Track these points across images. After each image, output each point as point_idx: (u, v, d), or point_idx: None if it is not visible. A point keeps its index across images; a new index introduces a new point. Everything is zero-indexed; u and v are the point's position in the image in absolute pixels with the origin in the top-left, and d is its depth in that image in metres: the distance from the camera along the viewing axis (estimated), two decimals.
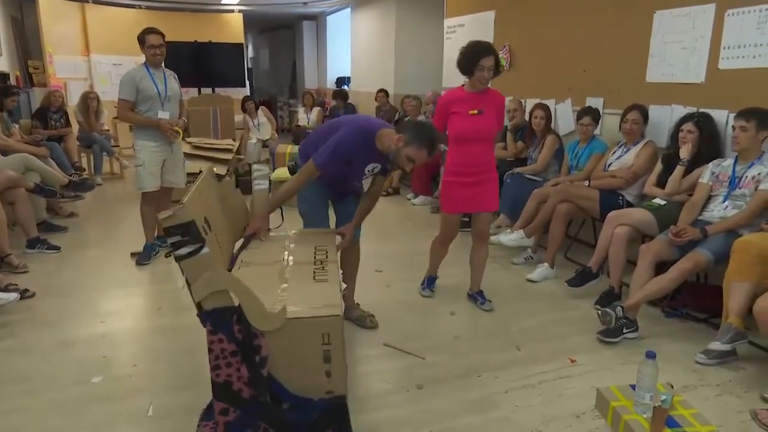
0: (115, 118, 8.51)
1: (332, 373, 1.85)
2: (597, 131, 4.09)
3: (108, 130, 7.50)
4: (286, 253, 2.40)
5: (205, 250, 1.77)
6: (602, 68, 4.19)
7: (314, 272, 2.17)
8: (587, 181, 3.83)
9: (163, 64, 3.89)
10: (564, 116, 4.62)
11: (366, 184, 2.90)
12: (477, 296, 3.30)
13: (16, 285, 3.25)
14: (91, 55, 9.15)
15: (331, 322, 1.80)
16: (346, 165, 2.59)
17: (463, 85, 3.06)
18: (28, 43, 8.57)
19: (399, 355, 2.72)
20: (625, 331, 2.85)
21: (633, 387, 1.73)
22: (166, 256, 1.79)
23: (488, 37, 5.36)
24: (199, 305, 1.80)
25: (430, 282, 3.45)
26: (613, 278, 3.28)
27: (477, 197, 3.07)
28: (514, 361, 2.67)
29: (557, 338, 2.90)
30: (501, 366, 2.62)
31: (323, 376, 1.84)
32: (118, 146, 7.44)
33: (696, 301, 3.13)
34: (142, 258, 3.97)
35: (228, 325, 1.77)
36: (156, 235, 4.06)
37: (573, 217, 3.82)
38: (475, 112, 2.97)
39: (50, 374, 2.52)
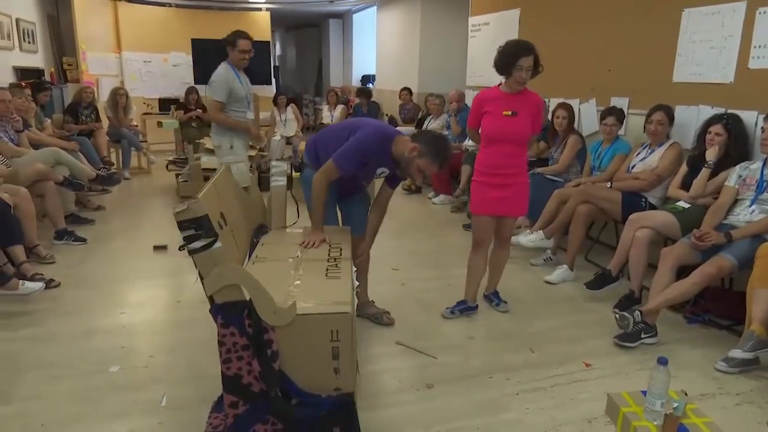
0: (144, 113, 8.79)
1: (340, 370, 1.85)
2: (621, 132, 4.01)
3: (136, 126, 7.67)
4: (299, 249, 2.42)
5: (218, 244, 1.79)
6: (628, 67, 4.11)
7: (327, 269, 2.18)
8: (609, 183, 3.76)
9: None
10: (588, 116, 4.54)
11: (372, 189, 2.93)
12: (493, 297, 3.27)
13: (42, 275, 3.35)
14: (122, 52, 9.37)
15: (340, 319, 1.80)
16: (362, 166, 2.60)
17: (500, 84, 2.95)
18: (62, 40, 8.81)
19: (411, 353, 2.72)
20: (643, 336, 2.79)
21: (645, 393, 1.69)
22: (179, 249, 1.83)
23: (513, 34, 5.31)
24: (211, 299, 1.83)
25: (461, 308, 3.15)
26: (633, 282, 3.21)
27: (505, 200, 2.97)
28: (528, 363, 2.64)
29: (573, 341, 2.86)
30: (514, 368, 2.59)
31: (331, 372, 1.84)
32: (146, 142, 7.60)
33: (719, 308, 3.05)
34: None
35: (239, 319, 1.78)
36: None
37: (594, 219, 3.76)
38: (509, 113, 2.87)
39: (70, 362, 2.59)
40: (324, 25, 12.71)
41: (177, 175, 6.12)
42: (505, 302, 3.24)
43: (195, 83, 9.02)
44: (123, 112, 6.97)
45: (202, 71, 9.43)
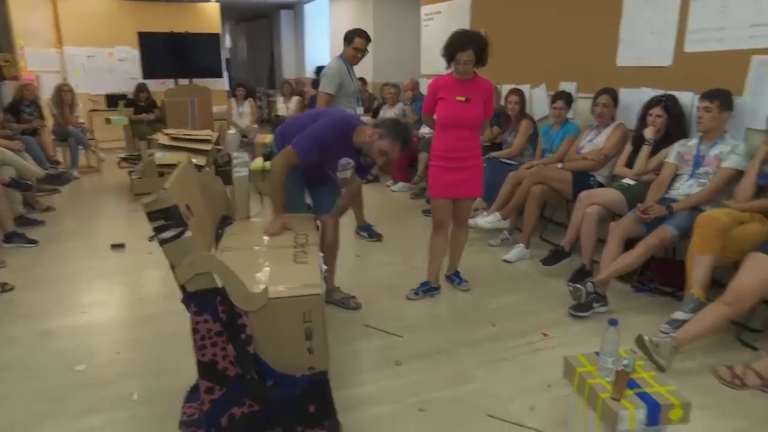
0: (91, 110, 8.50)
1: (314, 349, 1.92)
2: (570, 115, 4.19)
3: (83, 123, 7.41)
4: (266, 238, 2.45)
5: (188, 233, 1.81)
6: (575, 53, 4.28)
7: (295, 255, 2.23)
8: (560, 164, 3.93)
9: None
10: (539, 101, 4.71)
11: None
12: (454, 277, 3.38)
13: None
14: (63, 47, 9.01)
15: (311, 300, 1.87)
16: (322, 154, 2.65)
17: (452, 72, 3.03)
18: None
19: (379, 334, 2.80)
20: (595, 305, 2.96)
21: (598, 354, 1.83)
22: (149, 240, 1.84)
23: (464, 23, 5.42)
24: (183, 288, 1.85)
25: (425, 288, 3.23)
26: (584, 256, 3.39)
27: (461, 183, 3.07)
28: (490, 337, 2.76)
29: (531, 314, 3.01)
30: (477, 342, 2.71)
31: (305, 353, 1.91)
32: (94, 139, 7.37)
33: (663, 276, 3.26)
34: (366, 234, 4.20)
35: (212, 306, 1.82)
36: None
37: (547, 199, 3.92)
38: (462, 99, 2.96)
39: (32, 364, 2.54)
40: (275, 16, 12.55)
41: (130, 173, 5.98)
42: (466, 281, 3.36)
43: (143, 78, 8.80)
44: (69, 109, 6.73)
45: (150, 65, 9.23)
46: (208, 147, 6.17)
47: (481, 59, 2.92)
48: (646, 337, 2.45)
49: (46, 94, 7.19)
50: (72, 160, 6.72)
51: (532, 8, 4.71)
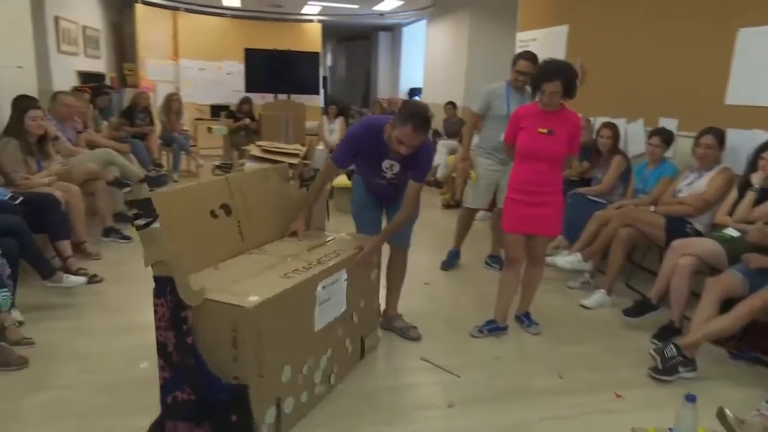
0: (196, 119, 9.09)
1: (239, 359, 1.94)
2: (669, 154, 3.87)
3: (187, 130, 7.94)
4: (305, 251, 2.50)
5: (155, 225, 1.93)
6: (678, 88, 3.96)
7: (295, 270, 2.23)
8: (653, 207, 3.63)
9: (527, 89, 3.53)
10: (634, 137, 4.40)
11: None
12: (524, 318, 3.19)
13: (86, 270, 3.49)
14: (179, 59, 9.76)
15: (238, 311, 1.89)
16: (356, 155, 2.67)
17: (537, 101, 2.89)
18: (124, 47, 9.26)
19: (435, 370, 2.68)
20: (681, 369, 2.66)
21: (671, 430, 1.62)
22: (132, 225, 1.99)
23: (560, 51, 5.22)
24: None
25: (490, 327, 3.08)
26: (673, 311, 3.07)
27: (537, 219, 2.90)
28: (555, 389, 2.56)
29: (605, 370, 2.76)
30: (540, 393, 2.52)
31: (231, 360, 1.96)
32: (196, 146, 7.85)
33: (766, 344, 2.87)
34: (444, 264, 4.15)
35: (165, 293, 1.93)
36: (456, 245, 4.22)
37: (635, 243, 3.62)
38: (545, 131, 2.81)
39: (104, 355, 2.69)
40: (374, 37, 12.88)
41: None
42: (537, 324, 3.16)
43: (246, 91, 9.31)
44: (175, 116, 7.23)
45: (253, 79, 9.76)
46: (295, 160, 6.36)
47: (568, 92, 2.76)
48: (728, 412, 2.13)
49: (159, 102, 7.79)
50: (174, 164, 7.19)
51: (633, 37, 4.44)
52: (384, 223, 2.94)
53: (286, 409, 2.12)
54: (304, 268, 2.26)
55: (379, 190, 2.83)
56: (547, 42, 5.60)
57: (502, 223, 3.05)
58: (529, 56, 3.69)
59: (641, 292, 3.61)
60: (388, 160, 2.65)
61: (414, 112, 2.43)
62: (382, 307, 3.12)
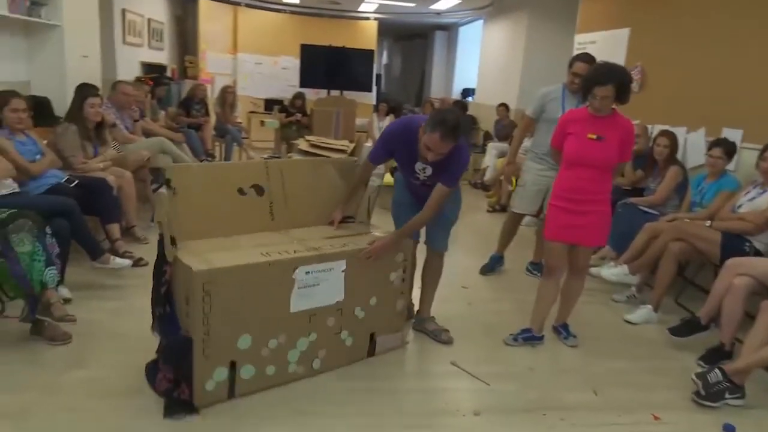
0: (250, 112, 9.30)
1: (189, 315, 2.15)
2: (730, 167, 3.65)
3: (241, 123, 8.13)
4: (321, 238, 2.59)
5: (164, 191, 2.32)
6: (745, 96, 3.72)
7: (285, 251, 2.35)
8: (709, 221, 3.42)
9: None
10: (694, 147, 4.17)
11: None
12: (561, 329, 3.08)
13: (132, 253, 3.62)
14: (237, 53, 10.01)
15: (190, 273, 2.09)
16: (390, 152, 2.69)
17: (587, 105, 2.76)
18: (186, 40, 9.59)
19: (464, 376, 2.63)
20: (727, 396, 2.49)
21: None
22: (153, 191, 2.46)
23: (620, 55, 5.01)
24: None
25: (525, 336, 2.99)
26: (724, 333, 2.88)
27: (580, 228, 2.77)
28: (588, 405, 2.45)
29: (644, 389, 2.62)
30: (572, 408, 2.42)
31: (185, 315, 2.18)
32: (248, 138, 8.03)
33: None
34: (484, 268, 4.07)
35: (161, 246, 2.25)
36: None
37: (687, 259, 3.43)
38: (594, 137, 2.67)
39: (143, 337, 2.74)
40: (430, 36, 12.80)
41: None
42: (575, 336, 3.04)
43: (300, 86, 9.44)
44: (229, 109, 7.41)
45: (307, 75, 9.89)
46: (342, 156, 6.40)
47: (621, 97, 2.63)
48: None
49: (216, 95, 8.02)
50: (226, 155, 7.38)
51: (697, 40, 4.21)
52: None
53: (244, 375, 2.27)
54: (295, 251, 2.36)
55: (415, 189, 2.81)
56: (606, 45, 5.39)
57: (544, 230, 2.95)
58: (587, 58, 3.55)
59: (690, 311, 3.42)
60: (421, 162, 2.63)
61: (443, 119, 2.40)
62: (416, 307, 3.09)
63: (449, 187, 2.62)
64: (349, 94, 9.68)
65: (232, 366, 2.23)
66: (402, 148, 2.64)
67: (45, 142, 3.65)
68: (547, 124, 3.64)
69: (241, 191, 2.53)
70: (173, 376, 2.18)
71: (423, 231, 2.91)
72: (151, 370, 2.34)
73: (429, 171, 2.64)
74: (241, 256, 2.26)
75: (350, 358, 2.62)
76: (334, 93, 9.89)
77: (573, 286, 3.02)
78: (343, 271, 2.45)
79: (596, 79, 2.64)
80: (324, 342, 2.49)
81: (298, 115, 7.95)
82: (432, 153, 2.45)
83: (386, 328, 2.73)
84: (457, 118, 2.43)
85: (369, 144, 7.79)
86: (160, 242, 2.25)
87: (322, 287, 2.40)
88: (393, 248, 2.62)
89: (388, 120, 8.36)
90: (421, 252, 2.97)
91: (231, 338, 2.21)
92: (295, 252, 2.36)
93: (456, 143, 2.46)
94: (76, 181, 3.45)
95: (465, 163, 2.68)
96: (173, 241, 2.20)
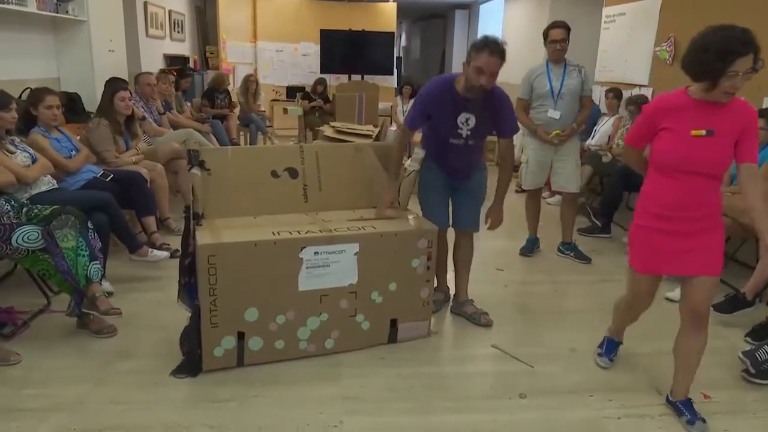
0: (273, 100, 9.30)
1: (199, 285, 2.29)
2: None
3: (264, 111, 8.14)
4: (344, 220, 2.61)
5: (195, 170, 2.56)
6: None
7: (297, 231, 2.41)
8: None
9: (566, 59, 3.72)
10: None
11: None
12: (683, 407, 2.19)
13: (169, 245, 3.67)
14: (257, 41, 9.99)
15: (199, 247, 2.25)
16: (428, 115, 2.65)
17: (687, 88, 2.02)
18: (207, 30, 9.61)
19: (506, 359, 2.61)
20: None
21: None
22: (188, 171, 2.58)
23: (651, 26, 4.86)
24: None
25: (609, 348, 2.59)
26: None
27: (691, 254, 2.04)
28: (636, 386, 2.42)
29: None
30: (618, 388, 2.39)
31: (198, 285, 2.33)
32: (272, 126, 8.05)
33: None
34: (523, 250, 4.03)
35: (188, 213, 2.48)
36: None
37: (729, 234, 3.33)
38: (702, 132, 1.93)
39: (176, 327, 2.78)
40: (450, 16, 12.59)
41: None
42: (704, 421, 2.56)
43: (321, 72, 9.40)
44: (252, 98, 7.42)
45: (328, 61, 9.83)
46: (368, 141, 6.37)
47: (755, 64, 1.87)
48: None
49: (238, 84, 8.04)
50: (251, 143, 7.41)
51: (732, 10, 4.04)
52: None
53: (252, 346, 2.39)
54: (308, 232, 2.41)
55: (453, 155, 2.74)
56: (636, 16, 5.24)
57: (629, 259, 2.24)
58: (559, 23, 3.62)
59: (735, 287, 3.33)
60: (465, 113, 2.61)
61: (485, 39, 2.47)
62: (452, 291, 3.08)
63: (510, 135, 2.73)
64: (371, 78, 9.59)
65: (240, 336, 2.36)
66: (440, 105, 2.62)
67: (78, 137, 3.70)
68: (539, 99, 3.74)
69: (274, 174, 2.64)
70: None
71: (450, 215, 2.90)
72: (182, 335, 2.50)
73: (473, 122, 2.63)
74: (252, 233, 2.36)
75: (368, 342, 2.61)
76: (355, 78, 9.81)
77: (693, 345, 2.16)
78: (356, 254, 2.44)
79: (737, 49, 1.84)
80: (336, 323, 2.50)
81: (321, 102, 7.92)
82: (484, 76, 2.45)
83: (410, 315, 2.66)
84: (497, 38, 2.50)
85: (393, 128, 7.75)
86: (187, 218, 2.44)
87: (332, 268, 2.42)
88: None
89: (411, 103, 8.30)
90: (451, 236, 2.94)
91: (238, 310, 2.33)
92: (307, 233, 2.39)
93: (504, 61, 2.47)
94: (111, 176, 3.49)
95: (509, 102, 2.70)
96: (197, 216, 2.40)
